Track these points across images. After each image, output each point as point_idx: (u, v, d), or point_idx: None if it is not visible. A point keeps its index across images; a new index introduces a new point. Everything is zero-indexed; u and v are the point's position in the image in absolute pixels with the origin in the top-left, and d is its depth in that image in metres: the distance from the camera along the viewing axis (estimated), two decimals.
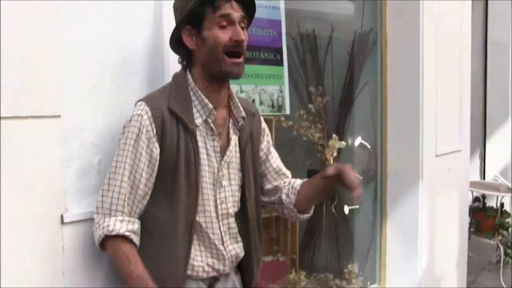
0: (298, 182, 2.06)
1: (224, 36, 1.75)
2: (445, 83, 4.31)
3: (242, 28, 1.80)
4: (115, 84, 1.92)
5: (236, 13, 1.78)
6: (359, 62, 4.04)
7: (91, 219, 1.79)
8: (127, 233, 1.70)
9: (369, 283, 4.08)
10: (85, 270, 1.86)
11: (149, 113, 1.72)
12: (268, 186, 2.07)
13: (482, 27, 6.51)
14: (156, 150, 1.73)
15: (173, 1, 1.90)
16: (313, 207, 2.09)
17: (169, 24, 1.97)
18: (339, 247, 4.03)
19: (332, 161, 3.79)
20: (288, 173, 2.12)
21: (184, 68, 1.87)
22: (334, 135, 3.76)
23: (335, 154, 3.79)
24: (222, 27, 1.76)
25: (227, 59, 1.76)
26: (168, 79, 2.04)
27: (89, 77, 1.85)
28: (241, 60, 1.79)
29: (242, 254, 1.95)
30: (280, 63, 3.24)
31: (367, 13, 3.99)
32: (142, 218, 1.76)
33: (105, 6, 1.88)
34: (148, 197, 1.76)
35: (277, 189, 2.07)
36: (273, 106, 3.15)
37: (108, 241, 1.70)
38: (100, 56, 1.87)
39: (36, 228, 1.71)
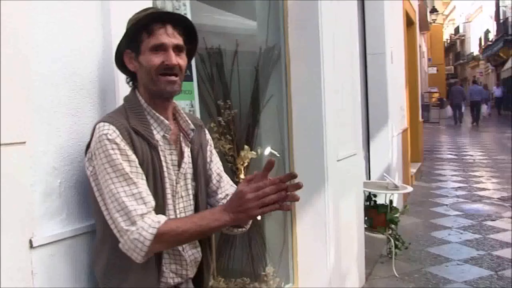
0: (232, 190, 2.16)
1: (156, 60, 1.87)
2: (342, 92, 4.63)
3: (179, 52, 1.93)
4: (71, 109, 1.97)
5: (170, 39, 1.89)
6: (265, 75, 4.22)
7: (58, 241, 1.84)
8: (165, 217, 1.78)
9: (283, 283, 4.28)
10: None
11: (117, 132, 1.79)
12: (212, 198, 2.16)
13: (361, 39, 6.99)
14: (135, 159, 1.80)
15: (122, 29, 2.00)
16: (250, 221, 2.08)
17: None
18: (252, 251, 4.20)
19: (242, 171, 3.97)
20: (227, 179, 2.20)
21: (133, 89, 1.98)
22: (246, 146, 3.95)
23: (246, 164, 3.98)
24: (155, 52, 1.88)
25: (161, 77, 1.88)
26: (119, 101, 2.13)
27: (48, 103, 1.88)
28: (174, 78, 1.90)
29: (200, 258, 2.07)
30: (190, 78, 3.34)
31: (271, 29, 4.19)
32: (113, 233, 1.80)
33: (59, 34, 1.93)
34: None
35: (215, 199, 2.15)
36: None
37: (158, 236, 1.71)
38: (56, 82, 1.91)
39: (5, 255, 1.70)
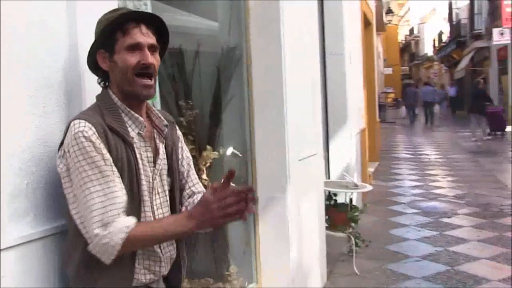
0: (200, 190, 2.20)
1: (132, 59, 1.88)
2: (303, 92, 4.68)
3: (153, 51, 1.94)
4: (36, 109, 1.93)
5: (145, 38, 1.90)
6: (227, 75, 4.23)
7: (26, 243, 1.82)
8: (135, 220, 1.79)
9: (247, 283, 4.30)
10: None
11: (93, 129, 1.78)
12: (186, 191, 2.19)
13: (320, 40, 7.05)
14: (109, 157, 1.80)
15: (87, 29, 2.00)
16: None
17: (84, 49, 2.05)
18: (215, 251, 4.21)
19: (205, 171, 3.97)
20: (194, 176, 2.22)
21: (105, 88, 1.97)
22: (208, 146, 3.95)
23: (208, 164, 3.98)
24: (131, 51, 1.88)
25: (138, 80, 1.88)
26: (86, 101, 2.12)
27: (13, 103, 1.84)
28: (150, 82, 1.91)
29: (175, 255, 2.07)
30: None
31: (233, 29, 4.20)
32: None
33: (26, 34, 1.90)
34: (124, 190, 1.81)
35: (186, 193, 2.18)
36: None
37: (127, 240, 1.74)
38: (22, 82, 1.88)
39: None
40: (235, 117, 4.32)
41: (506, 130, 20.04)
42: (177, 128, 2.21)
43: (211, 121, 4.17)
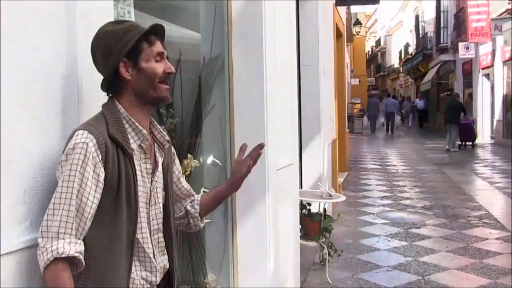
0: (197, 196, 2.39)
1: (160, 68, 1.97)
2: (282, 103, 4.73)
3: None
4: (35, 117, 1.94)
5: (163, 49, 2.01)
6: (208, 85, 4.25)
7: (24, 249, 1.82)
8: (76, 254, 1.76)
9: None
10: None
11: (94, 141, 1.82)
12: (178, 204, 2.33)
13: (296, 51, 7.12)
14: (102, 175, 1.83)
15: (87, 38, 2.01)
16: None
17: (82, 57, 2.07)
18: (193, 259, 4.22)
19: (185, 178, 3.98)
20: (193, 192, 2.39)
21: (111, 97, 2.00)
22: (189, 155, 3.97)
23: (188, 172, 4.00)
24: (158, 61, 1.97)
25: (162, 86, 1.99)
26: (82, 110, 2.14)
27: (12, 111, 1.85)
28: (168, 86, 2.03)
29: (168, 265, 2.12)
30: None
31: (215, 39, 4.22)
32: (84, 239, 1.83)
33: (24, 42, 1.91)
34: (92, 219, 1.83)
35: (184, 204, 2.34)
36: None
37: (52, 264, 1.73)
38: (20, 90, 1.88)
39: None
40: (215, 126, 4.33)
41: (476, 141, 20.67)
42: (172, 146, 2.29)
43: (191, 130, 4.18)
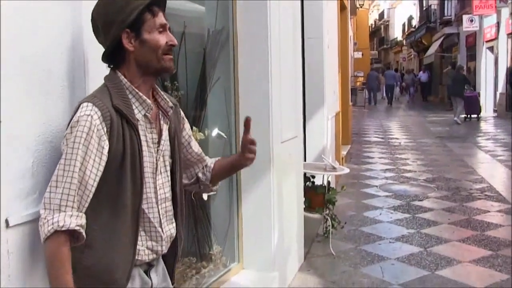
0: (210, 161, 2.37)
1: (162, 39, 1.96)
2: (286, 75, 4.73)
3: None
4: (42, 91, 1.96)
5: (166, 20, 2.00)
6: (213, 57, 4.25)
7: (33, 221, 1.85)
8: (77, 227, 1.77)
9: (229, 262, 4.38)
10: (33, 271, 1.90)
11: (99, 113, 1.82)
12: (190, 169, 2.32)
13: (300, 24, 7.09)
14: (107, 147, 1.83)
15: (90, 11, 2.01)
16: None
17: (88, 30, 2.07)
18: (198, 231, 4.27)
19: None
20: (205, 156, 2.37)
21: (113, 69, 2.00)
22: (194, 128, 3.99)
23: None
24: (160, 32, 1.96)
25: (165, 57, 1.98)
26: (89, 83, 2.15)
27: (20, 86, 1.87)
28: (172, 56, 2.02)
29: (175, 234, 2.13)
30: None
31: (219, 11, 4.22)
32: (88, 210, 1.84)
33: (29, 16, 1.91)
34: (94, 191, 1.84)
35: (196, 171, 2.33)
36: None
37: (53, 236, 1.75)
38: (27, 64, 1.89)
39: None
40: (220, 99, 4.36)
41: (481, 114, 20.70)
42: (181, 111, 2.27)
43: (196, 102, 4.19)
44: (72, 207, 1.78)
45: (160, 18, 1.96)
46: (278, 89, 4.44)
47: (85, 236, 1.81)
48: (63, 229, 1.74)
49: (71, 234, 1.78)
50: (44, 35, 1.98)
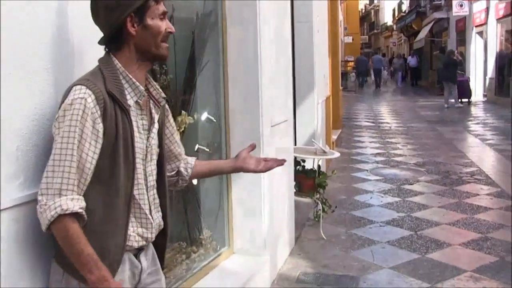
0: (190, 158, 2.39)
1: (163, 27, 1.98)
2: (276, 59, 4.70)
3: None
4: (25, 72, 1.92)
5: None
6: (202, 40, 4.21)
7: (19, 205, 1.84)
8: (80, 210, 1.77)
9: (219, 247, 4.36)
10: (24, 255, 1.89)
11: (93, 96, 1.81)
12: (171, 162, 2.32)
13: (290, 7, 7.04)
14: (101, 130, 1.82)
15: None
16: None
17: (74, 11, 2.04)
18: (188, 216, 4.25)
19: (179, 136, 3.97)
20: (184, 155, 2.40)
21: (107, 52, 1.98)
22: (183, 112, 3.95)
23: (182, 129, 3.99)
24: (161, 19, 1.98)
25: (163, 44, 2.00)
26: (73, 64, 2.12)
27: (3, 67, 1.83)
28: (168, 45, 2.04)
29: (162, 222, 2.14)
30: None
31: None
32: (83, 194, 1.83)
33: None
34: (92, 174, 1.83)
35: (177, 164, 2.34)
36: None
37: (58, 221, 1.74)
38: (9, 44, 1.85)
39: None
40: (209, 83, 4.32)
41: (471, 99, 20.75)
42: (166, 105, 2.27)
43: (185, 86, 4.15)
44: (73, 191, 1.77)
45: (162, 5, 1.99)
46: (268, 72, 4.41)
47: (86, 218, 1.81)
48: (67, 212, 1.74)
49: (74, 217, 1.77)
50: (30, 16, 1.94)
